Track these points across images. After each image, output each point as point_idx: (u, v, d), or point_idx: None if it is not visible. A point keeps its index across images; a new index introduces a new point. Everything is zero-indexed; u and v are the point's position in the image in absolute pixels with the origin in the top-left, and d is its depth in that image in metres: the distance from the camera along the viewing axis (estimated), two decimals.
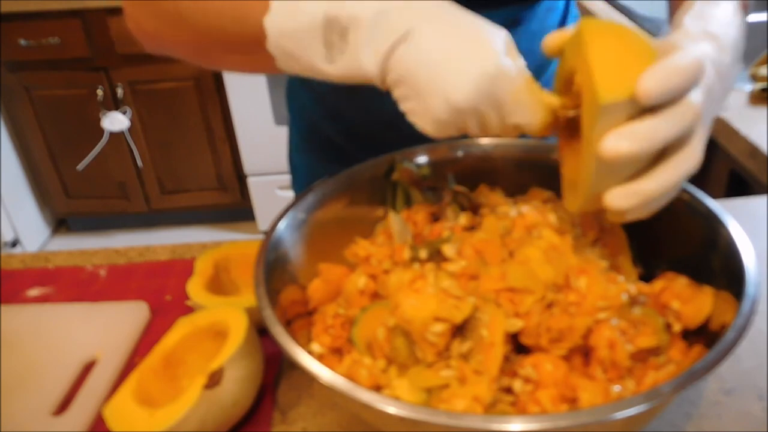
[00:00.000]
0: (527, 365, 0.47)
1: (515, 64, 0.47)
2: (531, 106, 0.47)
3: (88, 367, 0.63)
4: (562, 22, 0.82)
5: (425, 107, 0.47)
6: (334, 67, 0.49)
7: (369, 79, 0.48)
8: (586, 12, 1.69)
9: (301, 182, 0.93)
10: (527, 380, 0.47)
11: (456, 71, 0.45)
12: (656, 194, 0.43)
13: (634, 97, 0.40)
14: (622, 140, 0.40)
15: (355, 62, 0.48)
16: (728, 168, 1.14)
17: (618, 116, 0.40)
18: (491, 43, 0.46)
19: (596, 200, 0.45)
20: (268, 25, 0.50)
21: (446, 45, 0.46)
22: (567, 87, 0.49)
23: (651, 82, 0.39)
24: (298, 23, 0.48)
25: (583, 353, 0.49)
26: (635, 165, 0.42)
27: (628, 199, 0.43)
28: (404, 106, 0.49)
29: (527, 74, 0.47)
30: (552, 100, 0.48)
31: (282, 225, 0.57)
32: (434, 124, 0.48)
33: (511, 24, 0.72)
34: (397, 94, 0.49)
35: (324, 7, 0.48)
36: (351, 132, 0.83)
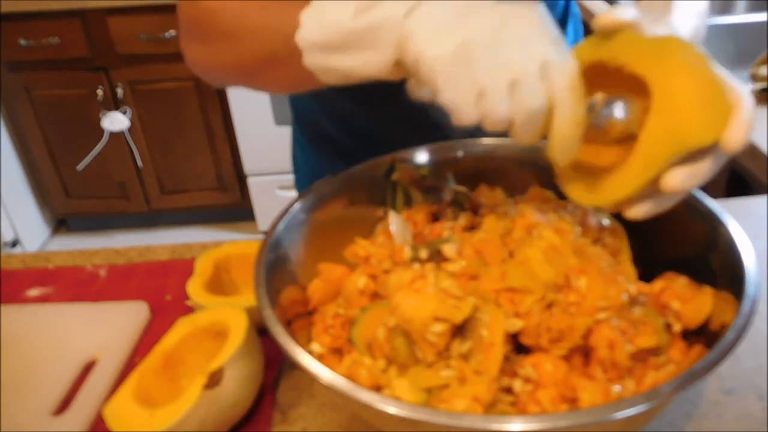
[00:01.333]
0: (527, 365, 0.47)
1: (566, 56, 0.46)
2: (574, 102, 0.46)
3: (88, 367, 0.63)
4: (562, 21, 0.82)
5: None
6: (356, 20, 0.47)
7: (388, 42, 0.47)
8: (586, 12, 1.69)
9: (305, 181, 0.93)
10: (527, 380, 0.47)
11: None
12: (707, 176, 0.46)
13: (719, 143, 0.42)
14: (690, 179, 0.44)
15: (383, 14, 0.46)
16: (728, 168, 1.14)
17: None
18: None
19: (622, 203, 0.46)
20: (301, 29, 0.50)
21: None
22: (593, 70, 0.48)
23: (739, 135, 0.43)
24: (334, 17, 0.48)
25: (583, 353, 0.49)
26: None
27: (687, 180, 0.45)
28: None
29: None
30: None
31: (282, 225, 0.57)
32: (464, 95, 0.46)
33: None
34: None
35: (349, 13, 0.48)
36: (355, 132, 0.83)
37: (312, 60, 0.50)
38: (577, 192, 0.51)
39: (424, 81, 0.46)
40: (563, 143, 0.47)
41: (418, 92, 0.49)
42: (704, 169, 0.45)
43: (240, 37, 0.55)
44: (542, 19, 0.46)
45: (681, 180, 0.45)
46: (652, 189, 0.46)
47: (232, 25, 0.56)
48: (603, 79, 0.48)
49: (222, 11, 0.56)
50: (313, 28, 0.49)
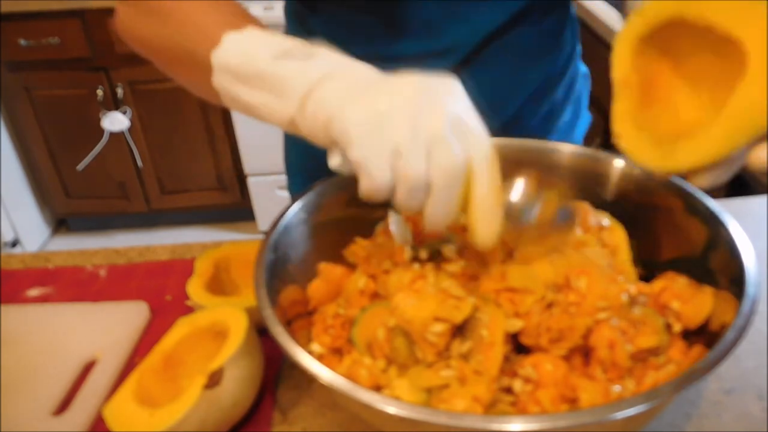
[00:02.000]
0: (527, 365, 0.47)
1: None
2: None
3: (88, 367, 0.63)
4: (561, 26, 0.82)
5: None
6: (278, 64, 0.47)
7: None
8: (585, 12, 1.69)
9: (298, 183, 0.93)
10: (527, 380, 0.47)
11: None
12: None
13: None
14: None
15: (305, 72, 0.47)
16: None
17: None
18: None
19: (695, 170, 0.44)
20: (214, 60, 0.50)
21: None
22: (664, 30, 0.45)
23: None
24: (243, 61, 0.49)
25: (583, 353, 0.49)
26: None
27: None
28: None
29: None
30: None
31: (282, 225, 0.57)
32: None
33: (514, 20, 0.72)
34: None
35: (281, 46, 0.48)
36: None
37: (219, 81, 0.50)
38: (643, 153, 0.47)
39: (335, 140, 0.45)
40: (485, 214, 0.45)
41: (330, 156, 0.48)
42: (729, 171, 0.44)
43: (172, 26, 0.55)
44: (459, 89, 0.46)
45: (710, 181, 0.43)
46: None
47: (169, 8, 0.55)
48: (676, 39, 0.45)
49: None
50: (229, 53, 0.49)
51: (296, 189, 0.93)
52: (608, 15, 1.62)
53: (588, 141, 0.91)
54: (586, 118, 0.90)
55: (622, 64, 0.47)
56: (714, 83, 0.45)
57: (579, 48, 0.87)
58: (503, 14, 0.72)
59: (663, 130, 0.47)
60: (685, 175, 0.46)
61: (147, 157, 2.44)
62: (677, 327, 0.51)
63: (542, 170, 0.65)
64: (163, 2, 0.56)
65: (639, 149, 0.47)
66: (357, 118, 0.43)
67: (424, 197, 0.44)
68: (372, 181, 0.44)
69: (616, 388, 0.46)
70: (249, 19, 0.53)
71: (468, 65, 0.73)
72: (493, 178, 0.45)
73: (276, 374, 0.61)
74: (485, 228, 0.46)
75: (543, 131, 0.83)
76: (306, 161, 0.89)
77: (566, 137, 0.86)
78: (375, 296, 0.55)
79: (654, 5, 0.45)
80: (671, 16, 0.44)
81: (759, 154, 0.42)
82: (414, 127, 0.43)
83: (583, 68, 0.89)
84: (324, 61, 0.47)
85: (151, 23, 0.57)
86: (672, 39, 0.45)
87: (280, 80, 0.47)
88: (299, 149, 0.90)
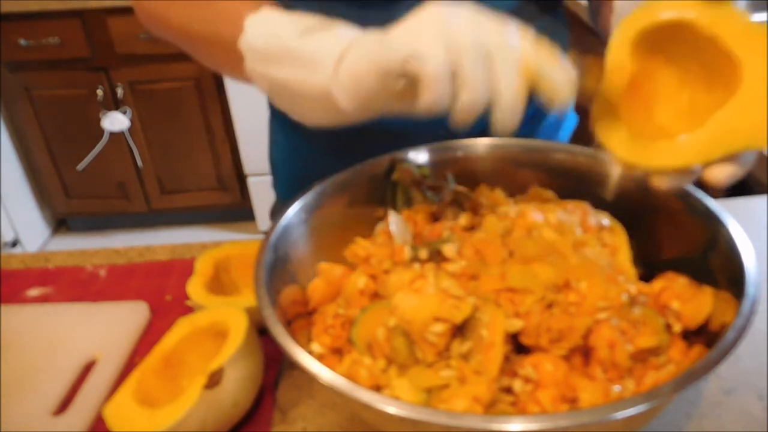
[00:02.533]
0: (527, 365, 0.47)
1: None
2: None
3: (88, 367, 0.63)
4: (550, 27, 0.81)
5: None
6: (303, 41, 0.49)
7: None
8: (578, 6, 1.69)
9: (283, 182, 0.92)
10: (527, 380, 0.47)
11: None
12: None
13: None
14: (732, 176, 0.44)
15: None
16: None
17: None
18: None
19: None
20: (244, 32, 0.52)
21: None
22: (670, 28, 0.45)
23: None
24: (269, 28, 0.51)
25: (583, 353, 0.49)
26: None
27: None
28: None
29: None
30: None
31: (282, 225, 0.57)
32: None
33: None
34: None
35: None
36: (336, 132, 0.82)
37: (250, 65, 0.52)
38: (617, 144, 0.48)
39: (393, 67, 0.46)
40: (505, 114, 0.45)
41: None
42: (744, 168, 0.45)
43: (195, 7, 0.58)
44: (474, 11, 0.47)
45: (725, 176, 0.44)
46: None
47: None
48: (671, 41, 0.45)
49: None
50: (255, 36, 0.51)
51: (281, 186, 0.92)
52: None
53: (588, 141, 0.91)
54: (572, 120, 0.90)
55: (619, 49, 0.47)
56: (696, 93, 0.46)
57: (566, 48, 0.87)
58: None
59: (638, 127, 0.47)
60: (647, 174, 0.47)
61: (147, 157, 2.44)
62: (677, 327, 0.51)
63: (542, 170, 0.65)
64: None
65: (613, 138, 0.48)
66: (405, 35, 0.45)
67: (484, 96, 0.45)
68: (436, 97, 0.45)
69: (616, 388, 0.46)
70: None
71: None
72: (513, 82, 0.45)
73: (276, 374, 0.62)
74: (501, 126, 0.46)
75: (528, 132, 0.83)
76: (290, 155, 0.88)
77: (551, 138, 0.86)
78: (375, 296, 0.55)
79: (668, 4, 0.45)
80: (682, 18, 0.44)
81: (716, 173, 0.44)
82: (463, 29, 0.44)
83: None
84: (345, 31, 0.49)
85: (171, 5, 0.61)
86: (667, 40, 0.45)
87: (310, 54, 0.48)
88: (283, 145, 0.89)
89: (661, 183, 0.47)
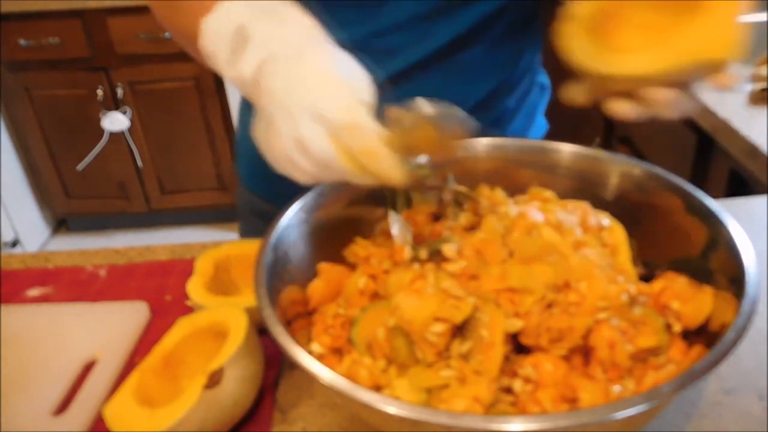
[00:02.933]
0: (527, 365, 0.47)
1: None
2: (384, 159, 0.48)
3: (88, 367, 0.63)
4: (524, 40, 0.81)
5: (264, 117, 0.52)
6: (231, 74, 0.55)
7: (246, 89, 0.54)
8: None
9: (245, 162, 0.92)
10: (527, 380, 0.47)
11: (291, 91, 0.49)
12: None
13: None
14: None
15: (239, 71, 0.53)
16: (728, 168, 1.14)
17: None
18: (345, 88, 0.49)
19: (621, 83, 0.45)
20: (204, 26, 0.55)
21: (298, 81, 0.49)
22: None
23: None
24: (221, 31, 0.54)
25: (583, 353, 0.49)
26: None
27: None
28: (254, 129, 0.53)
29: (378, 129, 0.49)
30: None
31: (282, 225, 0.57)
32: (263, 129, 0.52)
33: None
34: (259, 106, 0.52)
35: (239, 20, 0.53)
36: None
37: (203, 42, 0.56)
38: (581, 52, 0.48)
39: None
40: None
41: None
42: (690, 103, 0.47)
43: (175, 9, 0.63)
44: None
45: (673, 98, 0.45)
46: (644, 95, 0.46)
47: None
48: None
49: None
50: (217, 17, 0.55)
51: (243, 165, 0.92)
52: None
53: (588, 141, 0.91)
54: (541, 126, 0.90)
55: None
56: (663, 19, 0.46)
57: (539, 60, 0.87)
58: (456, 30, 0.72)
59: (605, 43, 0.48)
60: (607, 98, 0.47)
61: (147, 157, 2.44)
62: (677, 327, 0.51)
63: (543, 170, 0.65)
64: None
65: (578, 48, 0.48)
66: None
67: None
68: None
69: (616, 388, 0.46)
70: None
71: (419, 71, 0.74)
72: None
73: (276, 374, 0.61)
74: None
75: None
76: (257, 173, 0.88)
77: None
78: (375, 296, 0.55)
79: None
80: None
81: (664, 93, 0.45)
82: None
83: (543, 80, 0.89)
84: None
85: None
86: None
87: (243, 34, 0.53)
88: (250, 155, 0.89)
89: (620, 109, 0.47)
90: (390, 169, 0.49)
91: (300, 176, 0.51)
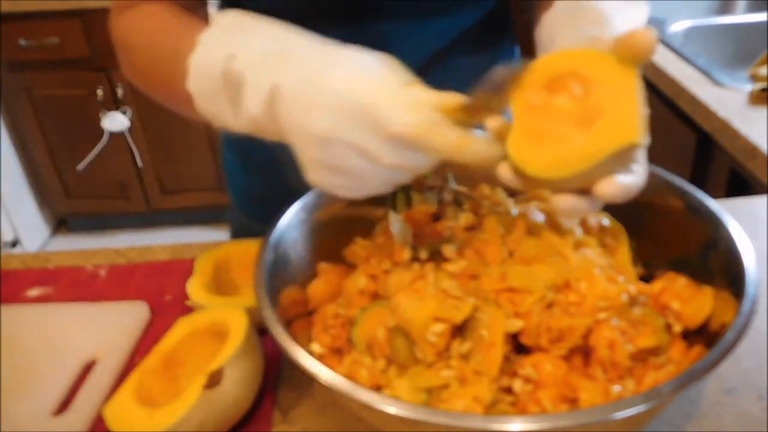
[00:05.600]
0: (527, 365, 0.47)
1: (389, 76, 0.45)
2: (412, 108, 0.44)
3: (88, 367, 0.63)
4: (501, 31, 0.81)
5: (300, 153, 0.46)
6: (241, 123, 0.48)
7: (270, 135, 0.48)
8: None
9: (237, 192, 0.90)
10: (527, 380, 0.47)
11: (312, 103, 0.44)
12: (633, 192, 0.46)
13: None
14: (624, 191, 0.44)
15: (252, 117, 0.47)
16: (728, 168, 1.14)
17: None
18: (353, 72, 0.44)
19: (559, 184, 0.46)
20: (191, 89, 0.50)
21: (308, 86, 0.45)
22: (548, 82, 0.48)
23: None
24: (208, 85, 0.49)
25: (583, 353, 0.49)
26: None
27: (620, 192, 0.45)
28: (299, 161, 0.47)
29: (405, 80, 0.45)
30: (447, 99, 0.45)
31: (282, 225, 0.57)
32: (311, 167, 0.46)
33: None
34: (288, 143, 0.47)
35: (220, 64, 0.47)
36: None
37: (199, 106, 0.51)
38: (524, 156, 0.48)
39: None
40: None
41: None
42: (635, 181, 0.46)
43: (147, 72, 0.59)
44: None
45: (615, 189, 0.44)
46: (583, 186, 0.46)
47: (143, 61, 0.59)
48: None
49: (133, 49, 0.60)
50: (199, 76, 0.49)
51: (236, 194, 0.91)
52: None
53: None
54: None
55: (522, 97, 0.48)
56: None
57: (515, 41, 0.87)
58: (446, 36, 0.72)
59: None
60: (554, 189, 0.47)
61: (147, 157, 2.44)
62: (677, 327, 0.51)
63: None
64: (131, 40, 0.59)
65: (529, 158, 0.48)
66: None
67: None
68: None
69: (616, 388, 0.46)
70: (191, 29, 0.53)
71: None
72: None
73: (276, 374, 0.62)
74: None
75: None
76: (239, 171, 0.87)
77: None
78: (375, 296, 0.55)
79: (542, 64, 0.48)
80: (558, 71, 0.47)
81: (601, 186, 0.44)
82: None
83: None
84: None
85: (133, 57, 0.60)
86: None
87: (233, 80, 0.47)
88: (232, 162, 0.88)
89: (558, 203, 0.46)
90: (481, 151, 0.45)
91: (383, 189, 0.48)
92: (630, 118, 0.44)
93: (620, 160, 0.45)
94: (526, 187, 0.49)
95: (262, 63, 0.46)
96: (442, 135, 0.44)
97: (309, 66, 0.45)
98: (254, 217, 0.86)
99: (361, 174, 0.45)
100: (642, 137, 0.44)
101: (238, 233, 0.93)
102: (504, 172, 0.47)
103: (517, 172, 0.47)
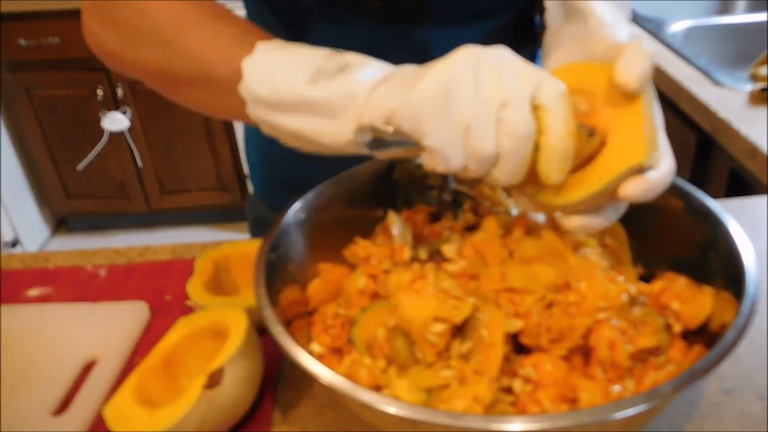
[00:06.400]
0: (527, 365, 0.47)
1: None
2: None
3: (88, 367, 0.63)
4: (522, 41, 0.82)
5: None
6: (314, 88, 0.46)
7: (355, 108, 0.45)
8: None
9: (258, 178, 0.90)
10: (527, 380, 0.47)
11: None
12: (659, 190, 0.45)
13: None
14: (643, 191, 0.44)
15: (347, 87, 0.45)
16: (728, 168, 1.14)
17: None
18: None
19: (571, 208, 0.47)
20: (247, 67, 0.48)
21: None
22: None
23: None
24: (285, 71, 0.47)
25: (583, 353, 0.49)
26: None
27: (645, 193, 0.45)
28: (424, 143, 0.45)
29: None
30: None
31: (282, 225, 0.57)
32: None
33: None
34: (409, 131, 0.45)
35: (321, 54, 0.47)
36: None
37: (256, 113, 0.48)
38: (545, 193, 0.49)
39: (404, 130, 0.44)
40: (554, 162, 0.45)
41: (383, 155, 0.48)
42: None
43: (174, 50, 0.52)
44: (513, 54, 0.45)
45: (636, 191, 0.44)
46: (593, 206, 0.47)
47: (169, 34, 0.52)
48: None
49: (156, 15, 0.53)
50: (260, 84, 0.47)
51: (256, 180, 0.91)
52: None
53: None
54: None
55: None
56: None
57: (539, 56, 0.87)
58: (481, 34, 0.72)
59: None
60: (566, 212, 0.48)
61: (147, 157, 2.44)
62: (677, 327, 0.51)
63: None
64: (151, 25, 0.53)
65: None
66: (425, 100, 0.43)
67: (492, 164, 0.45)
68: (448, 164, 0.44)
69: (616, 388, 0.46)
70: (251, 32, 0.51)
71: None
72: (565, 122, 0.44)
73: (276, 374, 0.62)
74: (559, 168, 0.45)
75: None
76: (264, 156, 0.87)
77: None
78: (375, 296, 0.55)
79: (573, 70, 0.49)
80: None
81: (623, 189, 0.45)
82: (478, 97, 0.43)
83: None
84: (362, 70, 0.46)
85: (142, 49, 0.55)
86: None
87: (326, 103, 0.46)
88: (257, 145, 0.88)
89: (571, 223, 0.48)
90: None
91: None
92: (635, 139, 0.44)
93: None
94: (537, 210, 0.51)
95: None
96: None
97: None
98: (275, 207, 0.87)
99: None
100: (648, 157, 0.43)
101: (257, 225, 0.93)
102: (518, 202, 0.48)
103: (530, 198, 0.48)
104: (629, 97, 0.45)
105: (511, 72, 0.44)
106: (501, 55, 0.45)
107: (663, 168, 0.45)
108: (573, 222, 0.47)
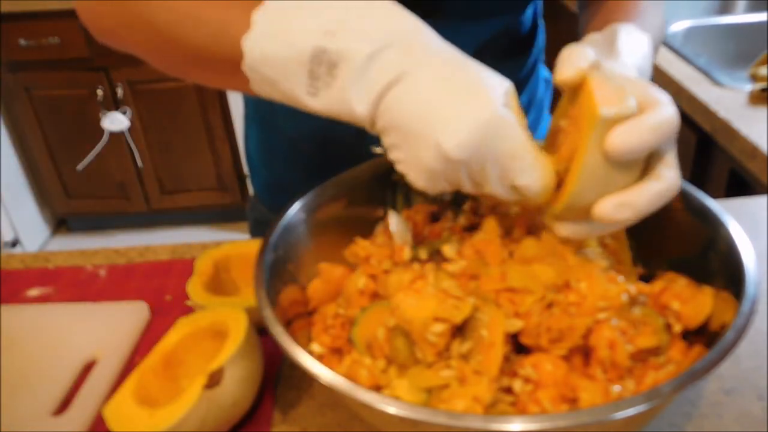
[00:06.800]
0: (527, 365, 0.47)
1: (516, 118, 0.44)
2: (533, 164, 0.45)
3: (88, 367, 0.63)
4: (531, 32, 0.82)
5: (415, 156, 0.44)
6: (316, 101, 0.45)
7: (356, 119, 0.45)
8: None
9: (258, 179, 0.91)
10: (527, 380, 0.47)
11: (449, 118, 0.42)
12: (643, 207, 0.45)
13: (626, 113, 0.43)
14: (627, 134, 0.42)
15: (342, 100, 0.44)
16: (728, 168, 1.14)
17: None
18: (490, 91, 0.43)
19: (578, 212, 0.46)
20: (247, 46, 0.46)
21: (441, 90, 0.43)
22: (551, 143, 0.49)
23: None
24: (282, 49, 0.45)
25: (583, 353, 0.49)
26: (618, 179, 0.44)
27: (617, 210, 0.44)
28: (393, 155, 0.46)
29: (527, 131, 0.45)
30: (550, 160, 0.47)
31: (282, 225, 0.57)
32: (425, 176, 0.45)
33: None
34: (386, 141, 0.46)
35: (315, 36, 0.44)
36: (314, 135, 0.80)
37: (252, 69, 0.47)
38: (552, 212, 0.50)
39: (378, 132, 0.46)
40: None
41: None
42: (637, 198, 0.45)
43: (178, 24, 0.51)
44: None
45: (608, 207, 0.44)
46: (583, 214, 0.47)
47: (171, 13, 0.51)
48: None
49: None
50: (262, 86, 0.47)
51: (257, 181, 0.92)
52: None
53: None
54: (547, 121, 0.90)
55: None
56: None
57: (543, 54, 0.87)
58: (489, 32, 0.73)
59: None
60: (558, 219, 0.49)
61: (147, 157, 2.44)
62: (677, 327, 0.51)
63: None
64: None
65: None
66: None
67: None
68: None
69: (616, 388, 0.46)
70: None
71: None
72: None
73: (276, 374, 0.62)
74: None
75: None
76: (265, 154, 0.87)
77: None
78: (375, 296, 0.55)
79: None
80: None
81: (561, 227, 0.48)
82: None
83: (545, 73, 0.89)
84: (348, 67, 0.44)
85: (134, 23, 0.55)
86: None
87: (329, 112, 0.46)
88: (257, 144, 0.88)
89: (561, 231, 0.48)
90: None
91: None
92: (589, 108, 0.43)
93: (621, 176, 0.44)
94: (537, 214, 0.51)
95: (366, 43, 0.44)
96: None
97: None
98: (276, 209, 0.87)
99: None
100: (608, 108, 0.42)
101: (258, 226, 0.94)
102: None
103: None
104: (582, 91, 0.45)
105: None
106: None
107: (654, 112, 0.43)
108: (560, 229, 0.48)
